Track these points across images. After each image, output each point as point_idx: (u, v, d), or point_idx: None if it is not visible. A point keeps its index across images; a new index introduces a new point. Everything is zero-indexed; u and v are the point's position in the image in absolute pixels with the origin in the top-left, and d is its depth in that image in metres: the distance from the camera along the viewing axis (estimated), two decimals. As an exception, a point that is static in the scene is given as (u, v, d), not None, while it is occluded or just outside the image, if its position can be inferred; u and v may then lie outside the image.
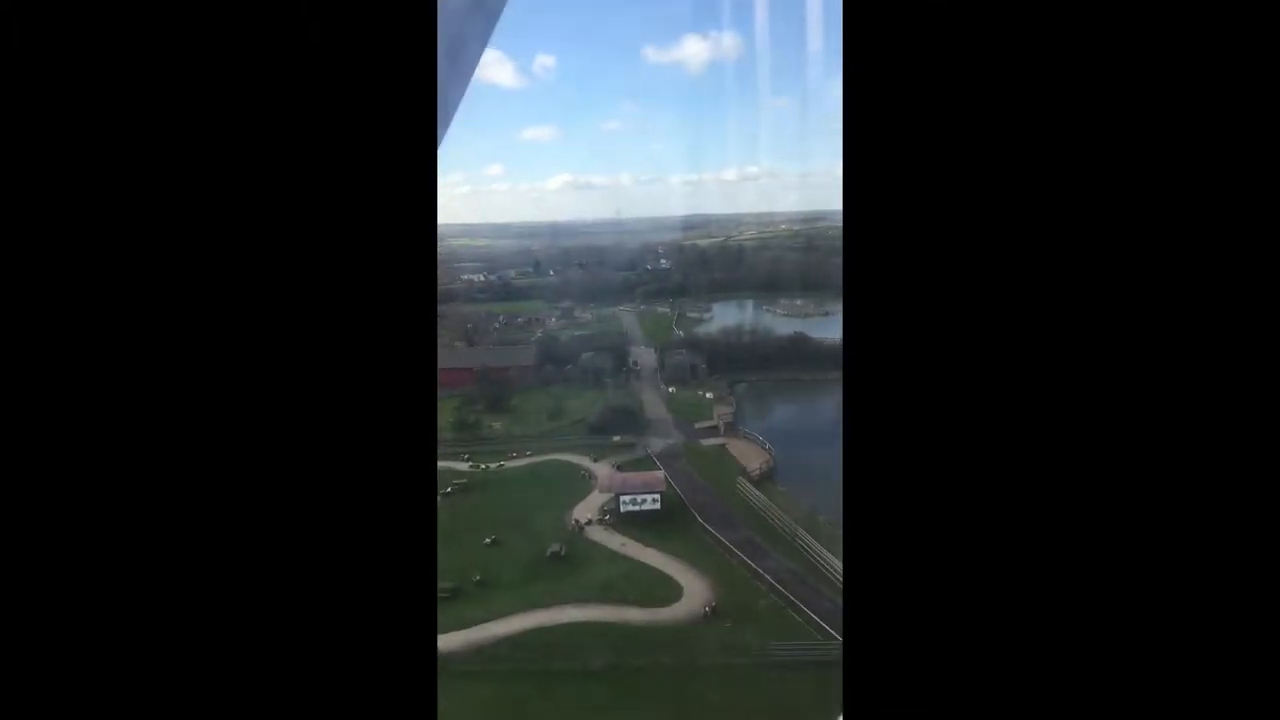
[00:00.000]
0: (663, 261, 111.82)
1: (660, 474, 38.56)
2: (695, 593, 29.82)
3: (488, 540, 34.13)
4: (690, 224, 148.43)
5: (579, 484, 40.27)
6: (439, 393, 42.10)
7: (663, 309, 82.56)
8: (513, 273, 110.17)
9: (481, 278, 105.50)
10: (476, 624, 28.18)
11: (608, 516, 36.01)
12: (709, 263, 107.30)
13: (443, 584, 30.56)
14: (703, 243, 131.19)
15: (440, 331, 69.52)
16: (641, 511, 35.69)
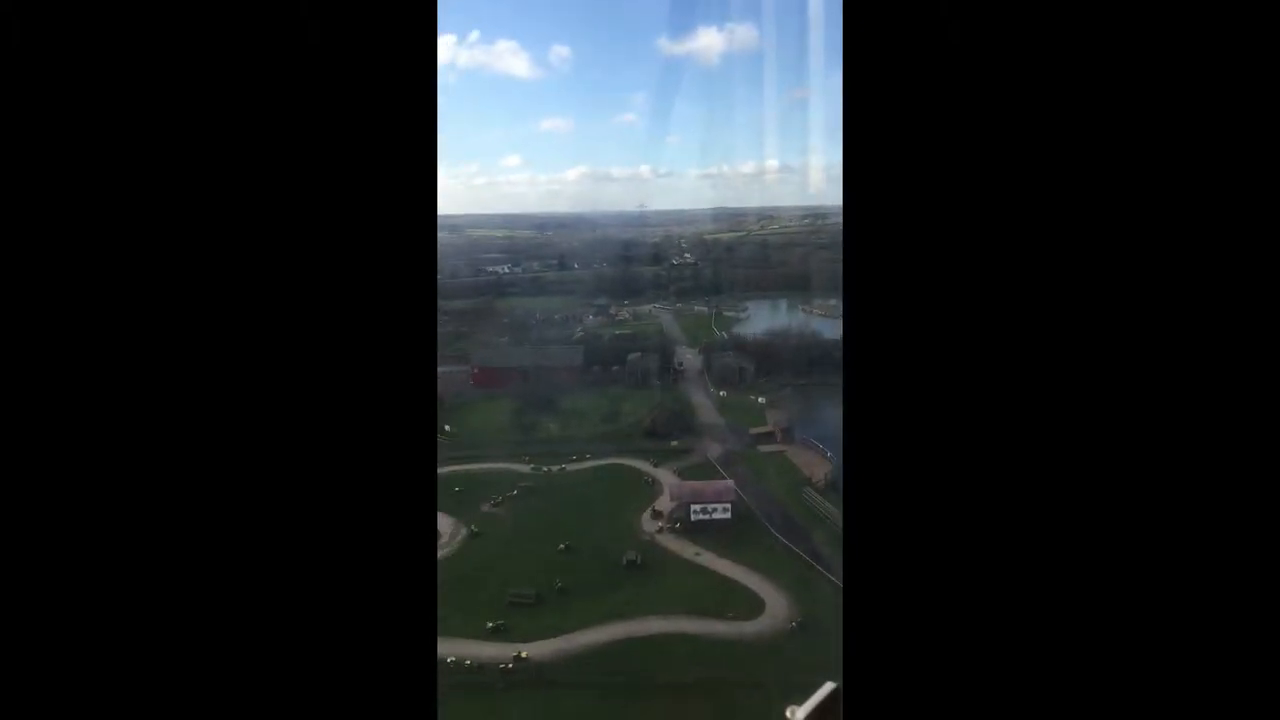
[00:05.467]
0: (686, 255, 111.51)
1: (730, 483, 38.82)
2: (778, 606, 30.15)
3: (561, 546, 34.50)
4: (712, 217, 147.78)
5: (642, 489, 40.55)
6: (491, 392, 42.00)
7: (699, 307, 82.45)
8: (537, 265, 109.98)
9: (506, 270, 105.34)
10: (565, 633, 28.62)
11: (677, 525, 36.32)
12: (735, 257, 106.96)
13: (525, 590, 30.98)
14: (725, 236, 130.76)
15: (479, 328, 69.63)
16: (711, 520, 36.00)
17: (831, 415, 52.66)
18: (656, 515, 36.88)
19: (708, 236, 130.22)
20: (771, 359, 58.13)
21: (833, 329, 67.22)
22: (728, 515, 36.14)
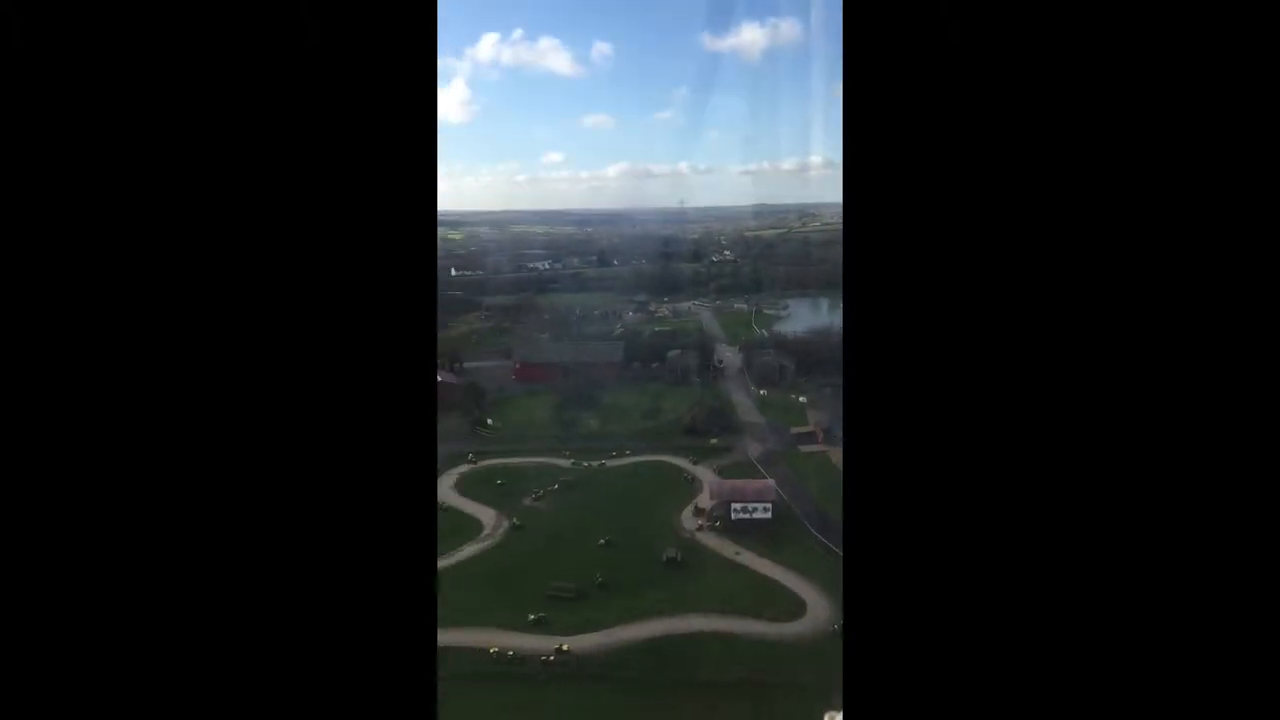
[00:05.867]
0: (726, 253, 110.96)
1: (771, 483, 38.56)
2: (819, 608, 29.89)
3: (601, 541, 34.73)
4: (753, 213, 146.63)
5: (682, 487, 40.55)
6: (532, 387, 42.35)
7: (739, 304, 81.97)
8: (577, 261, 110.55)
9: (547, 266, 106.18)
10: (605, 627, 28.82)
11: (717, 523, 36.25)
12: (776, 254, 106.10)
13: (566, 583, 31.29)
14: (765, 233, 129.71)
15: (521, 324, 70.34)
16: (752, 519, 35.83)
17: (874, 416, 51.74)
18: (697, 513, 36.90)
19: (748, 233, 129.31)
20: (812, 357, 57.39)
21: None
22: (768, 515, 35.92)
